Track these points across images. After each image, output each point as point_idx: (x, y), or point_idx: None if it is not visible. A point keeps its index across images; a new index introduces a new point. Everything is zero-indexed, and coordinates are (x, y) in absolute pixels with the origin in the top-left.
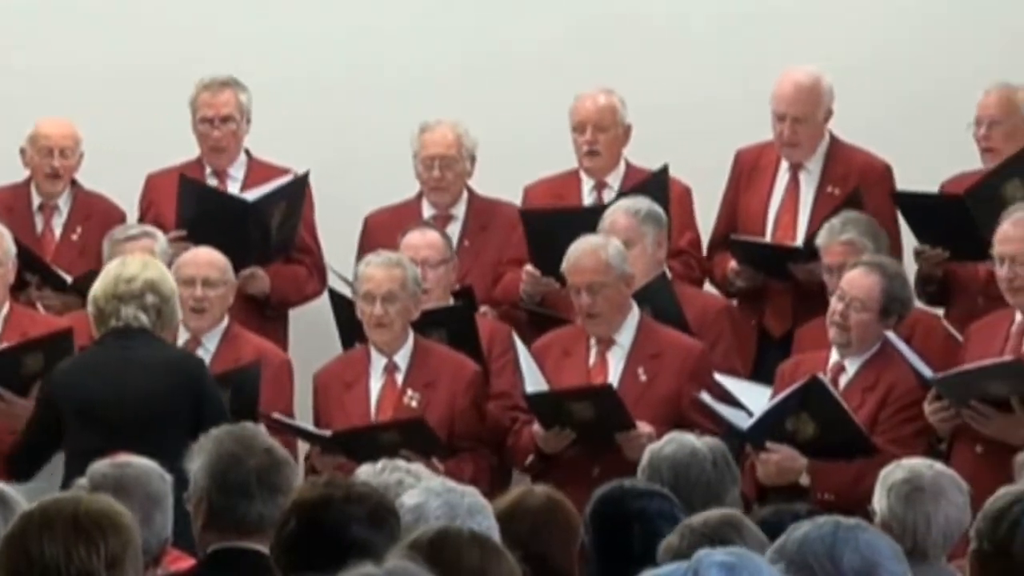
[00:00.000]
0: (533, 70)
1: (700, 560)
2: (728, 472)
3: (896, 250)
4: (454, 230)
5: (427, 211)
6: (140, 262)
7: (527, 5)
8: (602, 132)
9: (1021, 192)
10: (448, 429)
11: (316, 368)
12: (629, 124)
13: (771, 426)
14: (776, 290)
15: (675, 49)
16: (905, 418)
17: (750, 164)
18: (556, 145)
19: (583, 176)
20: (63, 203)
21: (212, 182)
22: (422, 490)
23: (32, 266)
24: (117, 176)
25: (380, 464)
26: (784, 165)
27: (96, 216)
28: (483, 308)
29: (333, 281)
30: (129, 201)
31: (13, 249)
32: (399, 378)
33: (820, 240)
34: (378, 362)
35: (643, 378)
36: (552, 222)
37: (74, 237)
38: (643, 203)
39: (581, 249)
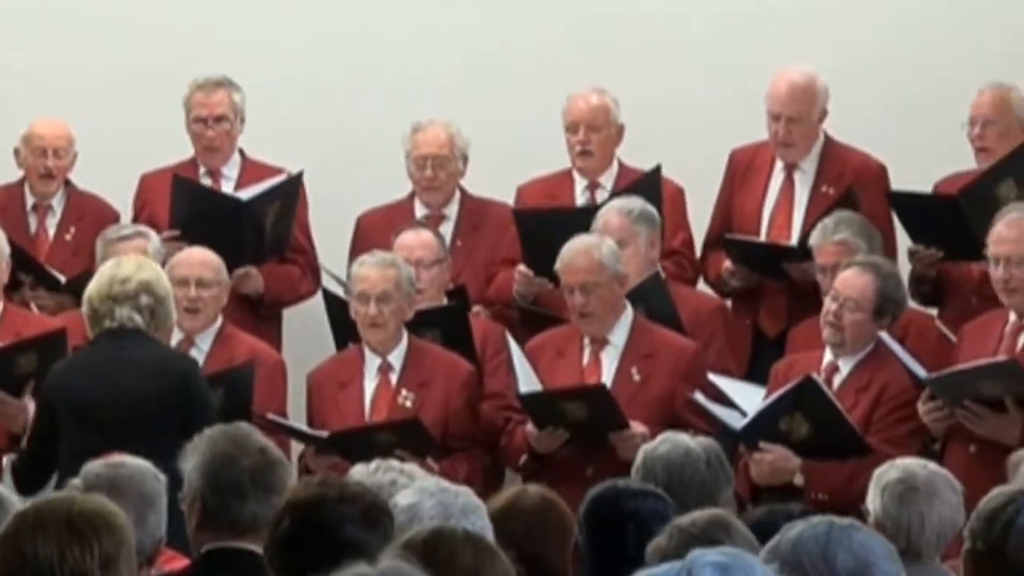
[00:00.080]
0: (527, 70)
1: (693, 560)
2: (722, 472)
3: (891, 250)
4: (446, 230)
5: (419, 211)
6: (135, 263)
7: (520, 5)
8: (595, 132)
9: (1015, 192)
10: (442, 429)
11: (309, 368)
12: (622, 124)
13: (765, 426)
14: (771, 290)
15: (668, 49)
16: (899, 418)
17: (745, 164)
18: (549, 145)
19: (576, 176)
20: (57, 203)
21: (206, 182)
22: (416, 490)
23: (26, 266)
24: (111, 176)
25: (374, 464)
26: (779, 165)
27: (90, 216)
28: (476, 308)
29: (326, 281)
30: (123, 201)
31: (7, 249)
32: (393, 378)
33: (813, 240)
34: (372, 362)
35: (637, 378)
36: (545, 222)
37: (68, 237)
38: (636, 203)
39: (575, 248)
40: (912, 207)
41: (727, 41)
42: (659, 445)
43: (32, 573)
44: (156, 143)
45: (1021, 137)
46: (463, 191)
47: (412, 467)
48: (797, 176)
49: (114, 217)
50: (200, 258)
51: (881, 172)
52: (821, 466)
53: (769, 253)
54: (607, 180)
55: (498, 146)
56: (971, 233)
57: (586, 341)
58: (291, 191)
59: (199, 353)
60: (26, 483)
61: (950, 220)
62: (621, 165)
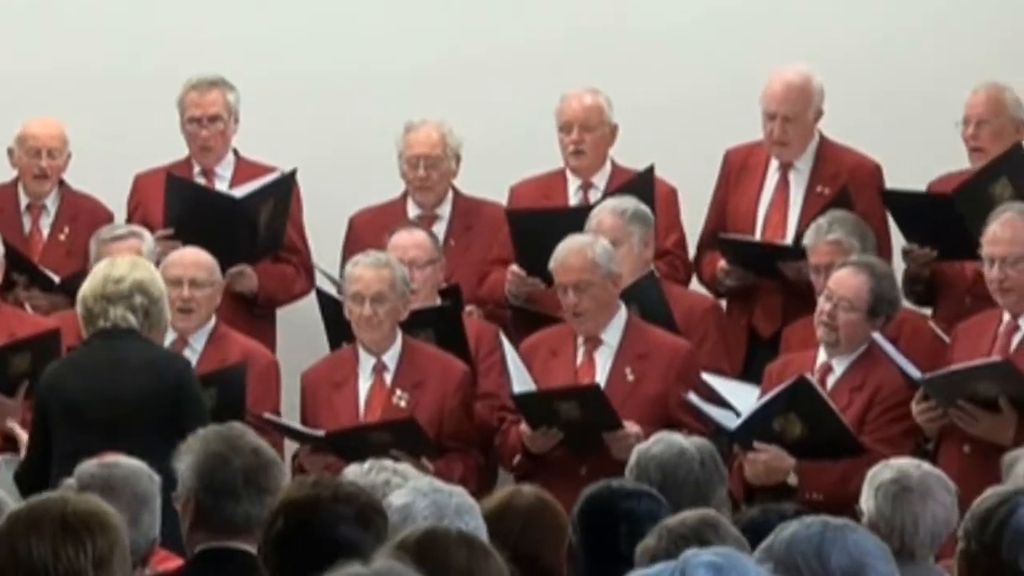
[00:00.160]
0: (520, 70)
1: (687, 560)
2: (716, 472)
3: (885, 250)
4: (439, 230)
5: (412, 211)
6: (129, 263)
7: (514, 6)
8: (588, 132)
9: (1009, 191)
10: (437, 429)
11: (303, 368)
12: (615, 124)
13: (759, 426)
14: (766, 290)
15: (661, 49)
16: (893, 418)
17: (739, 164)
18: (542, 145)
19: (569, 176)
20: (51, 203)
21: (200, 181)
22: (410, 490)
23: (20, 266)
24: (105, 176)
25: (367, 464)
26: (774, 164)
27: (84, 216)
28: (469, 307)
29: (320, 281)
30: (117, 201)
31: (1, 249)
32: (388, 378)
33: (807, 240)
34: (367, 362)
35: (630, 378)
36: (538, 222)
37: (62, 237)
38: (630, 203)
39: (568, 248)
40: (906, 206)
41: (721, 41)
42: (653, 445)
43: (26, 573)
44: (150, 143)
45: (1015, 137)
46: (456, 191)
47: (406, 467)
48: (792, 176)
49: (108, 217)
50: (193, 258)
51: (876, 172)
52: (815, 466)
53: (764, 252)
54: (600, 180)
55: (491, 146)
56: (965, 233)
57: (580, 341)
58: (285, 189)
59: (193, 353)
60: (31, 492)
61: (944, 219)
62: (614, 165)
